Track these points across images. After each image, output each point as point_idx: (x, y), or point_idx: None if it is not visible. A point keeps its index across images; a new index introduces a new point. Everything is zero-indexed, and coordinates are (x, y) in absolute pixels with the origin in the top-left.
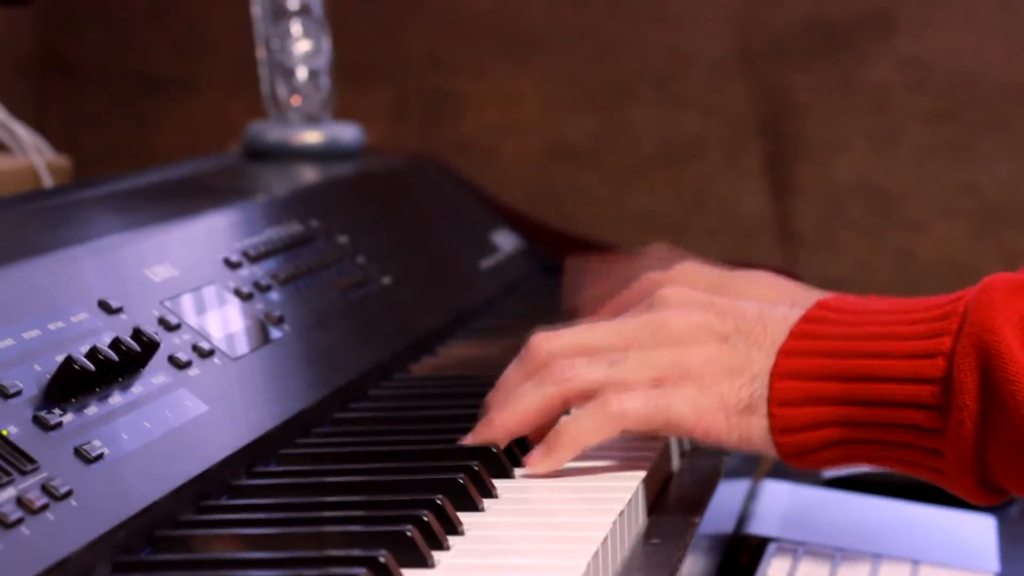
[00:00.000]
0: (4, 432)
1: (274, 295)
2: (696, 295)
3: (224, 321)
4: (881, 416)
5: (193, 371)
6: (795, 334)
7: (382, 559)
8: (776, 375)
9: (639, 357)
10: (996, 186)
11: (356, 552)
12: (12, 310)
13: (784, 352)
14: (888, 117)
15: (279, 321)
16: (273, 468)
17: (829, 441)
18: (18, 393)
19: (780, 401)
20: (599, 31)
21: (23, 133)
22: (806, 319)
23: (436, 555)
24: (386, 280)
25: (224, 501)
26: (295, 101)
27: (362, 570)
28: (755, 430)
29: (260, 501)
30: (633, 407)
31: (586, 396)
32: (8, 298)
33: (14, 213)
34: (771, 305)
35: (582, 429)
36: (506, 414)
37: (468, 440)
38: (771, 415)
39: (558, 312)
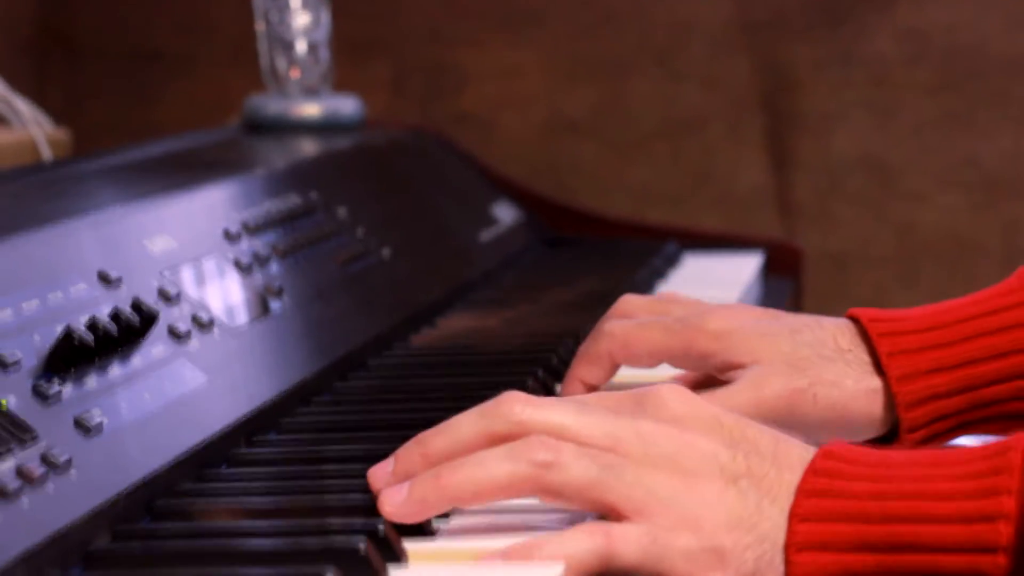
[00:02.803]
0: (3, 403)
1: (273, 267)
2: (699, 408)
3: (223, 293)
4: None
5: (192, 342)
6: (806, 491)
7: (381, 530)
8: (794, 546)
9: (635, 473)
10: (996, 158)
11: (356, 522)
12: (11, 281)
13: (799, 516)
14: (888, 89)
15: (278, 293)
16: (273, 438)
17: None
18: (17, 364)
19: None
20: (599, 3)
21: (23, 107)
22: (815, 471)
23: (436, 523)
24: (386, 252)
25: (224, 471)
26: (294, 74)
27: (362, 539)
28: None
29: (260, 471)
30: (627, 550)
31: (560, 496)
32: (7, 269)
33: (14, 185)
34: (788, 439)
35: (566, 551)
36: (458, 479)
37: (403, 493)
38: None
39: (556, 285)
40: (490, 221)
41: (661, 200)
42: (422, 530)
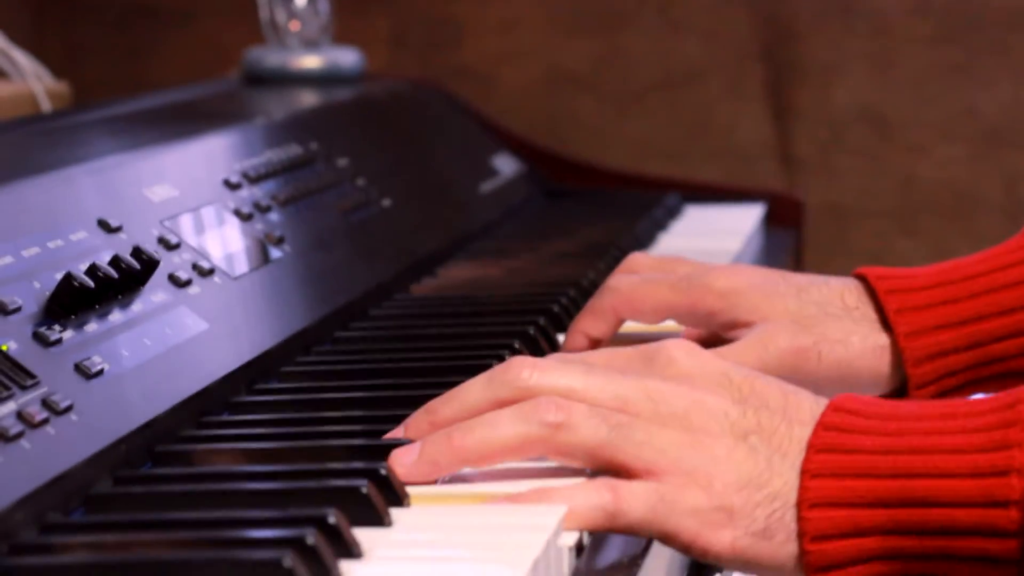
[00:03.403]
0: (4, 347)
1: (274, 216)
2: (709, 364)
3: (224, 241)
4: (941, 547)
5: (193, 290)
6: (818, 446)
7: (383, 471)
8: (806, 502)
9: (645, 431)
10: (996, 109)
11: (357, 465)
12: (11, 228)
13: (810, 472)
14: (888, 41)
15: (279, 241)
16: (274, 385)
17: (875, 575)
18: (18, 310)
19: (815, 535)
20: None
21: (22, 60)
22: (826, 426)
23: None
24: (386, 202)
25: (225, 417)
26: (294, 26)
27: (363, 482)
28: (765, 559)
29: (261, 417)
30: (634, 507)
31: (570, 456)
32: (7, 217)
33: (13, 135)
34: (797, 391)
35: (573, 504)
36: (470, 440)
37: (414, 453)
38: (804, 551)
39: (556, 236)
40: (490, 173)
41: (660, 153)
42: None
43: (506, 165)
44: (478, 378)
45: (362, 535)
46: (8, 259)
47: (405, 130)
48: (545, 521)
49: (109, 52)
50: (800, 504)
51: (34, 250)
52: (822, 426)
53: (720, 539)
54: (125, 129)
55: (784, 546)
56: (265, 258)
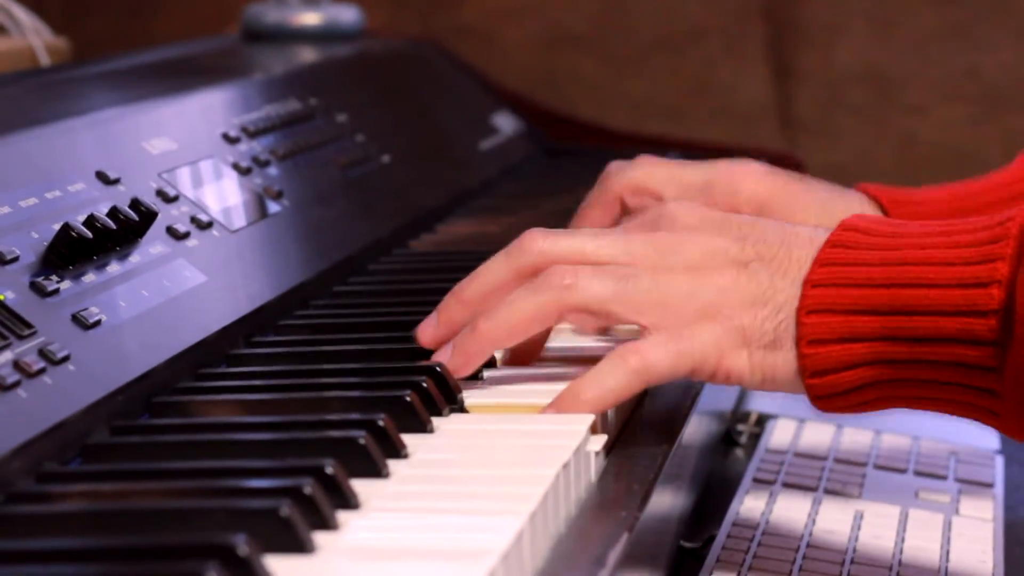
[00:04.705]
0: (1, 297)
1: (273, 170)
2: (710, 213)
3: (222, 194)
4: (926, 353)
5: (191, 242)
6: (822, 261)
7: (381, 422)
8: (804, 309)
9: (651, 279)
10: (998, 70)
11: (355, 416)
12: (9, 179)
13: (811, 282)
14: (889, 0)
15: (278, 195)
16: (271, 338)
17: (866, 381)
18: (15, 259)
19: (811, 339)
20: None
21: (22, 15)
22: (832, 243)
23: (435, 421)
24: (386, 158)
25: (223, 369)
26: None
27: (361, 433)
28: (780, 369)
29: (259, 369)
30: (657, 359)
31: (585, 312)
32: (5, 167)
33: (12, 88)
34: (795, 225)
35: (605, 388)
36: (493, 323)
37: (450, 352)
38: (801, 355)
39: (556, 194)
40: (490, 131)
41: (661, 112)
42: (421, 427)
43: (506, 123)
44: (497, 254)
45: (360, 486)
46: (6, 209)
47: (404, 87)
48: (544, 472)
49: (109, 9)
50: (799, 311)
51: (32, 201)
52: (830, 243)
53: (739, 359)
54: (124, 83)
55: (791, 353)
56: (263, 212)
